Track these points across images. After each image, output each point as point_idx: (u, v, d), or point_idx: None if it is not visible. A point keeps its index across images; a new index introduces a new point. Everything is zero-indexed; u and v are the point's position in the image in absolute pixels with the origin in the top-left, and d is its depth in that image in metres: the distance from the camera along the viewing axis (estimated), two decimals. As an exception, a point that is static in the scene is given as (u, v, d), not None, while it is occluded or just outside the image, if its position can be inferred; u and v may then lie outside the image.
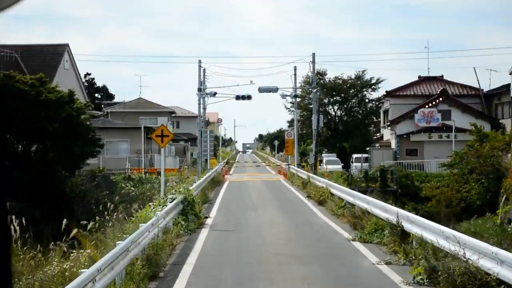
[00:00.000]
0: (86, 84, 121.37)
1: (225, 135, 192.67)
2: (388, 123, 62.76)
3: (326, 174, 37.51)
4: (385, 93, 64.64)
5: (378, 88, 75.82)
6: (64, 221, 19.55)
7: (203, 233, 22.26)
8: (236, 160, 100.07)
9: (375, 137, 73.93)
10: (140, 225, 16.00)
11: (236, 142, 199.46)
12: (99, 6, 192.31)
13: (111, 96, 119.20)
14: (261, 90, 55.82)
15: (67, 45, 50.41)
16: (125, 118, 76.80)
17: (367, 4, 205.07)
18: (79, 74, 53.31)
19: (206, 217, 26.53)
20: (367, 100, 76.75)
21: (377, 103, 71.52)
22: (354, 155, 65.35)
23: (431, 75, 65.84)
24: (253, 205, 32.21)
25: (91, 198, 43.37)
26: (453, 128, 54.68)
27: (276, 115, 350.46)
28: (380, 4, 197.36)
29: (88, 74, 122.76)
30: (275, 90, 56.04)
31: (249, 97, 59.24)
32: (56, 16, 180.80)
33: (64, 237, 19.07)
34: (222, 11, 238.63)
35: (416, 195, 48.73)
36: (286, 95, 59.27)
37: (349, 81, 75.99)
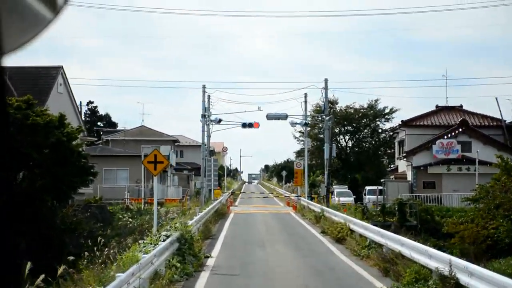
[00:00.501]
0: (88, 112, 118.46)
1: (230, 165, 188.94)
2: (404, 154, 58.85)
3: (344, 208, 33.47)
4: (400, 123, 60.84)
5: (392, 118, 72.31)
6: (29, 264, 15.74)
7: (203, 277, 18.33)
8: (242, 191, 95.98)
9: (389, 169, 69.98)
10: (116, 275, 12.11)
11: (242, 172, 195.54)
12: (101, 38, 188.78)
13: (114, 124, 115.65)
14: (270, 117, 52.00)
15: (61, 68, 46.69)
16: (127, 146, 73.05)
17: (372, 39, 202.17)
18: (74, 99, 49.55)
19: (207, 257, 22.59)
20: (380, 130, 73.09)
21: (391, 133, 67.69)
22: (367, 187, 61.57)
23: (450, 105, 62.04)
24: (261, 242, 28.21)
25: (83, 230, 39.76)
26: (477, 160, 50.76)
27: (284, 145, 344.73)
28: (382, 39, 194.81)
29: (90, 102, 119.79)
30: (284, 117, 52.21)
31: (256, 126, 55.55)
32: (59, 47, 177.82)
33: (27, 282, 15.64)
34: (225, 42, 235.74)
35: (436, 230, 44.85)
36: (296, 123, 55.45)
37: (361, 110, 72.45)
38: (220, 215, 42.65)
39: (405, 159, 59.40)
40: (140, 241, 20.72)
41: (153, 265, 15.17)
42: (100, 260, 22.72)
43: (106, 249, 28.13)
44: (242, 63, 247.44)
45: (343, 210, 32.00)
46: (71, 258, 24.03)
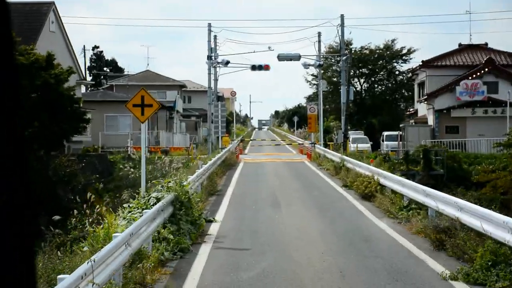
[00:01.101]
0: (94, 57, 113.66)
1: (240, 111, 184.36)
2: (425, 97, 54.07)
3: (371, 159, 28.51)
4: (420, 63, 55.89)
5: (410, 59, 67.23)
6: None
7: (202, 254, 13.92)
8: (251, 138, 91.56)
9: (407, 113, 65.26)
10: (58, 278, 7.65)
11: (252, 118, 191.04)
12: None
13: (121, 70, 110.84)
14: (281, 58, 47.05)
15: (52, 3, 41.79)
16: (131, 92, 68.36)
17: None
18: (68, 38, 44.66)
19: (211, 221, 18.20)
20: (397, 72, 68.09)
21: (410, 74, 62.71)
22: (385, 133, 57.04)
23: (474, 43, 56.97)
24: (275, 199, 23.73)
25: (77, 183, 35.67)
26: (508, 102, 45.95)
27: (295, 90, 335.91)
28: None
29: (96, 47, 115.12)
30: (297, 58, 47.24)
31: (266, 67, 50.69)
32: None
33: None
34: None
35: (464, 179, 40.51)
36: (309, 65, 50.53)
37: (377, 51, 67.34)
38: (228, 165, 38.19)
39: (425, 102, 54.71)
40: (125, 205, 16.34)
41: (128, 247, 10.69)
42: (90, 220, 19.25)
43: (98, 206, 24.44)
44: (251, 7, 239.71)
45: (370, 161, 27.25)
46: (57, 217, 20.03)
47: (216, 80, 53.26)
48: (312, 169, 37.76)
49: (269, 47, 48.22)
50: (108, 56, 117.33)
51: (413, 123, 57.87)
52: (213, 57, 49.65)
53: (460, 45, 57.26)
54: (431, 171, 38.97)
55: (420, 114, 58.20)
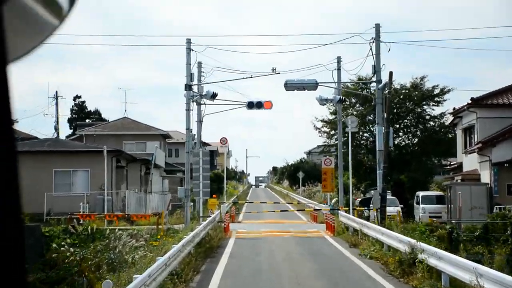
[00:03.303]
0: (75, 108, 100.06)
1: (236, 167, 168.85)
2: (478, 145, 39.15)
3: None
4: (469, 102, 41.04)
5: (443, 100, 52.08)
6: None
7: None
8: (247, 198, 75.85)
9: (448, 167, 50.13)
10: None
11: (249, 175, 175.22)
12: (99, 41, 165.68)
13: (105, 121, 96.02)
14: (289, 86, 31.84)
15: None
16: (102, 143, 53.23)
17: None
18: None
19: None
20: (427, 117, 53.02)
21: (451, 117, 47.60)
22: (421, 193, 42.04)
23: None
24: None
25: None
26: None
27: (296, 145, 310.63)
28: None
29: (78, 97, 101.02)
30: (312, 86, 31.89)
31: (267, 105, 35.70)
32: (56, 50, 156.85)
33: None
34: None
35: None
36: (327, 100, 35.54)
37: (403, 91, 52.42)
38: (208, 250, 22.64)
39: (478, 152, 39.78)
40: None
41: None
42: None
43: None
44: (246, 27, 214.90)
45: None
46: None
47: (200, 121, 38.11)
48: (348, 258, 21.64)
49: (273, 69, 32.95)
50: (91, 107, 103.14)
51: (458, 181, 42.84)
52: (198, 88, 34.59)
53: (519, 78, 42.61)
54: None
55: (466, 168, 43.17)
